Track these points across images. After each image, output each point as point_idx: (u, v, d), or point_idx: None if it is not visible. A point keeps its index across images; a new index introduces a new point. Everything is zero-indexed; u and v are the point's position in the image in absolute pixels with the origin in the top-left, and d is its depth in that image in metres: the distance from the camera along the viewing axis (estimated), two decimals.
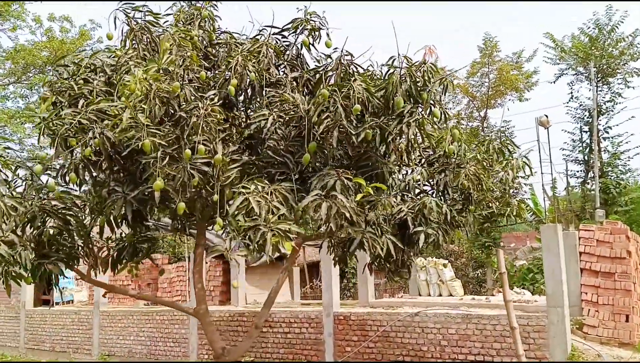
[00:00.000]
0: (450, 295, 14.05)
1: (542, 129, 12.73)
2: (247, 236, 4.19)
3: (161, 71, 4.54)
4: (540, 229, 9.57)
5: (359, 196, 4.59)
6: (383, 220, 5.50)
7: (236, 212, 4.22)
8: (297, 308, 12.61)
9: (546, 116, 12.50)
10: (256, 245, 4.16)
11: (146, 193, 4.66)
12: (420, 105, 5.01)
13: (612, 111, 16.50)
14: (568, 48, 17.57)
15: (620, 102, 16.53)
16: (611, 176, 15.95)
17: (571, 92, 17.05)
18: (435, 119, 5.12)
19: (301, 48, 6.01)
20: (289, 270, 6.36)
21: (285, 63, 5.78)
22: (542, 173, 15.79)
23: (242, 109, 5.80)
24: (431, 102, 5.05)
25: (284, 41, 6.02)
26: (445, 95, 5.24)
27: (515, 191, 7.81)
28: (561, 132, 17.14)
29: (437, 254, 17.24)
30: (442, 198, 6.19)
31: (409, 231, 5.60)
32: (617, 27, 16.32)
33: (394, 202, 5.66)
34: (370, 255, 5.19)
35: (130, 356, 14.53)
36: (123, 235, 6.09)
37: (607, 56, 16.46)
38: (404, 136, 4.78)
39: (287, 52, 5.90)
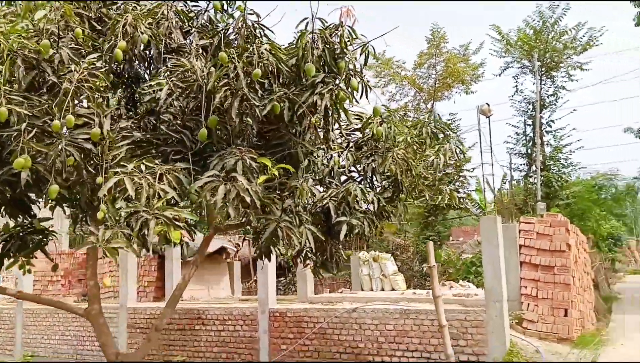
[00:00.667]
0: (393, 289, 13.74)
1: (484, 118, 12.51)
2: (129, 225, 3.54)
3: (33, 30, 3.82)
4: (480, 221, 9.24)
5: (262, 178, 3.99)
6: (303, 208, 4.93)
7: (117, 196, 3.56)
8: (232, 304, 11.96)
9: (487, 104, 12.27)
10: (138, 235, 3.51)
11: (14, 175, 3.89)
12: (337, 75, 4.44)
13: (556, 104, 16.55)
14: (514, 41, 17.52)
15: (563, 96, 16.63)
16: (553, 169, 15.97)
17: (516, 86, 17.05)
18: (355, 93, 4.54)
19: (216, 15, 5.36)
20: (197, 264, 5.66)
21: (195, 30, 5.11)
22: (482, 163, 15.66)
23: (140, 79, 5.09)
24: (350, 72, 4.48)
25: (193, 6, 5.35)
26: (366, 64, 4.65)
27: (457, 182, 7.41)
28: (506, 126, 17.01)
29: (382, 248, 16.93)
30: (370, 185, 5.67)
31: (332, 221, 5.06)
32: (560, 20, 16.34)
33: (317, 189, 5.12)
34: (284, 246, 4.60)
35: (55, 356, 13.56)
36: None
37: (551, 49, 16.46)
38: (318, 111, 4.19)
39: (198, 18, 5.23)
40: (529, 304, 9.75)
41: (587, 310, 10.97)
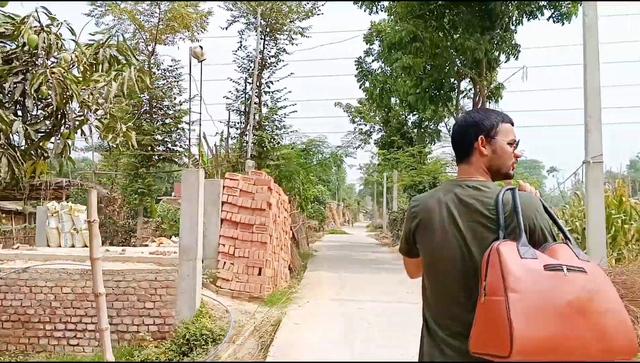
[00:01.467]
0: (86, 245, 12.21)
1: (196, 62, 11.80)
2: None
3: None
4: (182, 174, 8.48)
5: None
6: None
7: None
8: None
9: (201, 47, 11.58)
10: None
11: None
12: None
13: (276, 66, 16.83)
14: None
15: (283, 60, 16.99)
16: (268, 130, 16.27)
17: (240, 41, 16.79)
18: None
19: None
20: None
21: None
22: (189, 110, 14.94)
23: None
24: None
25: None
26: None
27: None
28: (228, 82, 16.62)
29: (78, 199, 15.06)
30: (21, 111, 4.33)
31: None
32: None
33: None
34: None
35: None
36: None
37: (276, 10, 16.61)
38: None
39: None
40: (225, 262, 9.46)
41: (281, 268, 11.27)
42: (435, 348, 1.88)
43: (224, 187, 9.83)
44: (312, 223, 39.02)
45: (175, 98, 17.31)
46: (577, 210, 12.32)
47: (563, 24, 15.15)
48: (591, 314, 1.58)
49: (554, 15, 15.19)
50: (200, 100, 12.72)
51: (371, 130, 27.42)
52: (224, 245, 9.53)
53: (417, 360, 2.06)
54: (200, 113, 14.21)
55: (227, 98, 16.33)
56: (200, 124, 15.08)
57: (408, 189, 23.35)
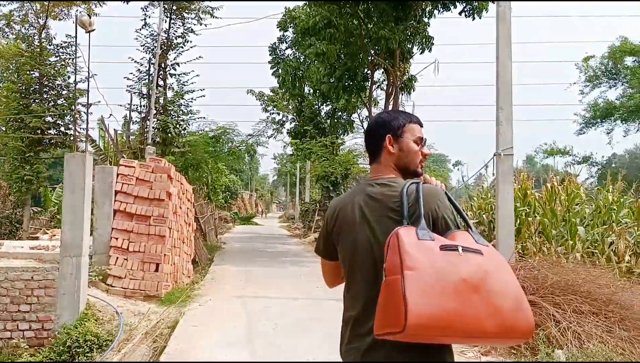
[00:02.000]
0: None
1: (84, 32, 10.62)
2: None
3: None
4: (65, 159, 7.46)
5: None
6: None
7: None
8: None
9: (89, 15, 10.43)
10: None
11: None
12: None
13: (183, 47, 15.76)
14: None
15: (191, 41, 15.94)
16: (173, 115, 15.22)
17: (144, 19, 15.53)
18: None
19: None
20: None
21: None
22: (76, 83, 13.66)
23: None
24: None
25: None
26: None
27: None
28: (130, 62, 15.34)
29: None
30: None
31: None
32: None
33: None
34: None
35: None
36: None
37: None
38: None
39: None
40: (117, 258, 8.55)
41: (183, 263, 10.47)
42: (354, 345, 1.90)
43: (118, 175, 8.88)
44: (224, 214, 38.08)
45: (69, 77, 15.79)
46: (485, 203, 12.48)
47: (474, 18, 15.31)
48: (486, 292, 1.62)
49: (465, 10, 15.32)
50: (89, 75, 11.49)
51: (284, 119, 26.82)
52: (116, 239, 8.61)
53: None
54: (88, 90, 12.89)
55: (128, 79, 15.09)
56: (88, 102, 13.73)
57: (321, 179, 23.06)
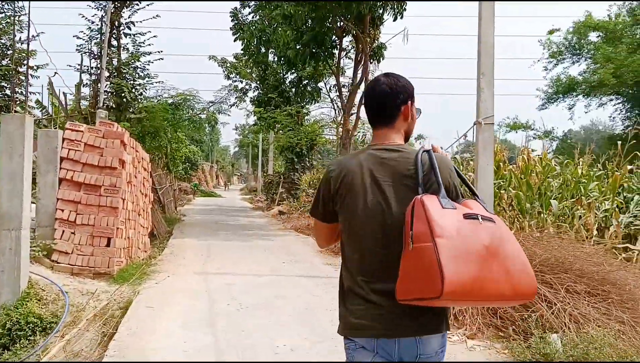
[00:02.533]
0: None
1: None
2: None
3: None
4: (1, 120, 6.58)
5: None
6: None
7: None
8: None
9: None
10: None
11: None
12: None
13: (139, 4, 14.58)
14: None
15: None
16: (128, 78, 14.17)
17: None
18: None
19: None
20: None
21: None
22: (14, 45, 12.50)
23: None
24: None
25: None
26: None
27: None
28: (79, 17, 14.09)
29: None
30: None
31: None
32: None
33: None
34: None
35: None
36: None
37: None
38: None
39: None
40: (64, 231, 7.75)
41: (139, 237, 9.72)
42: (360, 305, 1.90)
43: (64, 140, 8.02)
44: (184, 185, 37.00)
45: (15, 36, 14.46)
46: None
47: None
48: (502, 257, 1.72)
49: None
50: (29, 30, 10.37)
51: (247, 87, 25.77)
52: (62, 211, 7.80)
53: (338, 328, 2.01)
54: (28, 45, 11.73)
55: (79, 38, 13.89)
56: (28, 60, 12.56)
57: (285, 151, 22.34)
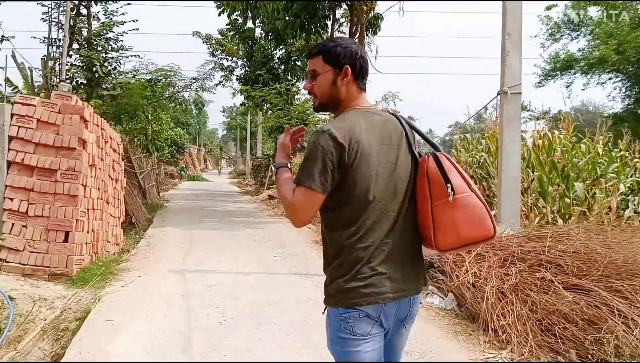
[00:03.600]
0: None
1: None
2: None
3: None
4: None
5: None
6: None
7: None
8: None
9: None
10: None
11: None
12: None
13: None
14: None
15: None
16: (100, 50, 12.79)
17: None
18: None
19: None
20: None
21: None
22: None
23: None
24: None
25: None
26: None
27: None
28: None
29: None
30: None
31: None
32: None
33: None
34: None
35: None
36: None
37: None
38: None
39: None
40: (13, 224, 6.51)
41: (109, 228, 8.48)
42: (372, 273, 1.88)
43: (12, 116, 6.73)
44: (170, 169, 35.59)
45: None
46: (469, 155, 10.94)
47: None
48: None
49: None
50: None
51: (233, 65, 24.34)
52: (12, 200, 6.55)
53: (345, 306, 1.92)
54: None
55: (44, 5, 12.44)
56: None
57: (274, 132, 21.00)
